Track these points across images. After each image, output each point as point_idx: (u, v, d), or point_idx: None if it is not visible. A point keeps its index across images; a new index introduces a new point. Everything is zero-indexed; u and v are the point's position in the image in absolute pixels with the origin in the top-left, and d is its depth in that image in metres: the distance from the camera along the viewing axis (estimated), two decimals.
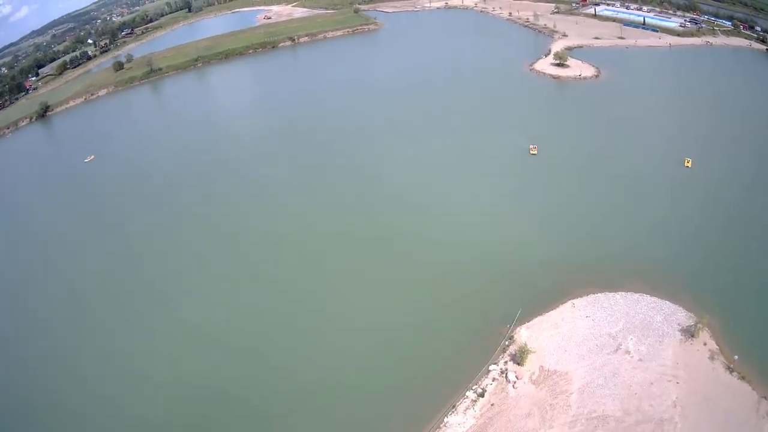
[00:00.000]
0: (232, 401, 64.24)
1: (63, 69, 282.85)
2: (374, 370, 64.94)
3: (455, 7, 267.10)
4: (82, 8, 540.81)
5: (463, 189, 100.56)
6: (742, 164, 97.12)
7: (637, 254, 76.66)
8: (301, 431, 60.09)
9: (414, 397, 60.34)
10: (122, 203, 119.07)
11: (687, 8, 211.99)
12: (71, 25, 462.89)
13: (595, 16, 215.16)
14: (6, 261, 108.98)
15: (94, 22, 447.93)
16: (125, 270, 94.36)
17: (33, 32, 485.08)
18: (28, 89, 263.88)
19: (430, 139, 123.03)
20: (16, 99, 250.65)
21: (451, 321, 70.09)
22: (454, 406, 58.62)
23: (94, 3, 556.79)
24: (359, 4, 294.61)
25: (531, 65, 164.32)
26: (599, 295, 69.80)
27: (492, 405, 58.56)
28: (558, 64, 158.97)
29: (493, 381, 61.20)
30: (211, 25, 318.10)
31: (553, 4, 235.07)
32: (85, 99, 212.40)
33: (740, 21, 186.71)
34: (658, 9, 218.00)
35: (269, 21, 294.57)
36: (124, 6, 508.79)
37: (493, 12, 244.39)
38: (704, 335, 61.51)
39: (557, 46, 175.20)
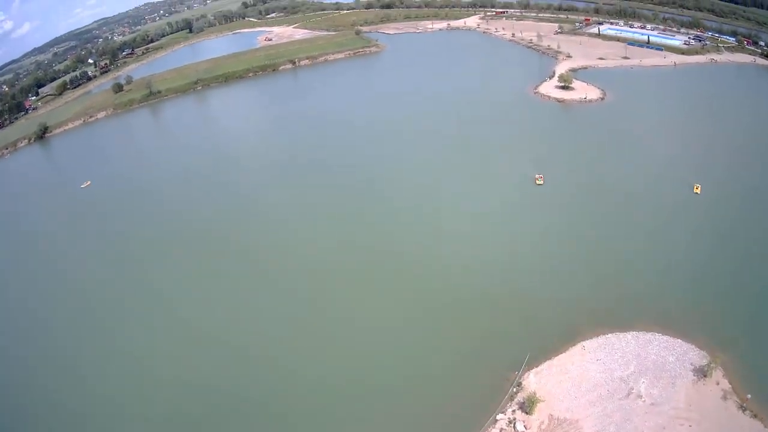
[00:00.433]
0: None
1: (63, 89, 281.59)
2: (376, 419, 62.33)
3: (458, 29, 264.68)
4: (84, 26, 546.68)
5: (466, 225, 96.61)
6: (752, 188, 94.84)
7: (648, 291, 74.35)
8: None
9: None
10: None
11: (691, 25, 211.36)
12: (73, 43, 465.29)
13: (599, 35, 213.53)
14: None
15: (95, 40, 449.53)
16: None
17: (35, 49, 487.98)
18: (27, 109, 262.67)
19: (431, 171, 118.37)
20: (16, 118, 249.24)
21: (456, 366, 67.85)
22: None
23: (96, 21, 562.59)
24: (361, 25, 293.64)
25: (535, 88, 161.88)
26: (610, 336, 67.87)
27: None
28: (563, 87, 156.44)
29: (500, 431, 59.16)
30: (212, 47, 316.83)
31: (557, 25, 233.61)
32: (84, 121, 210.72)
33: (744, 36, 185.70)
34: (661, 27, 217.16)
35: (270, 43, 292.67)
36: (125, 25, 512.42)
37: (496, 33, 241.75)
38: (717, 374, 60.19)
39: (561, 68, 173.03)
